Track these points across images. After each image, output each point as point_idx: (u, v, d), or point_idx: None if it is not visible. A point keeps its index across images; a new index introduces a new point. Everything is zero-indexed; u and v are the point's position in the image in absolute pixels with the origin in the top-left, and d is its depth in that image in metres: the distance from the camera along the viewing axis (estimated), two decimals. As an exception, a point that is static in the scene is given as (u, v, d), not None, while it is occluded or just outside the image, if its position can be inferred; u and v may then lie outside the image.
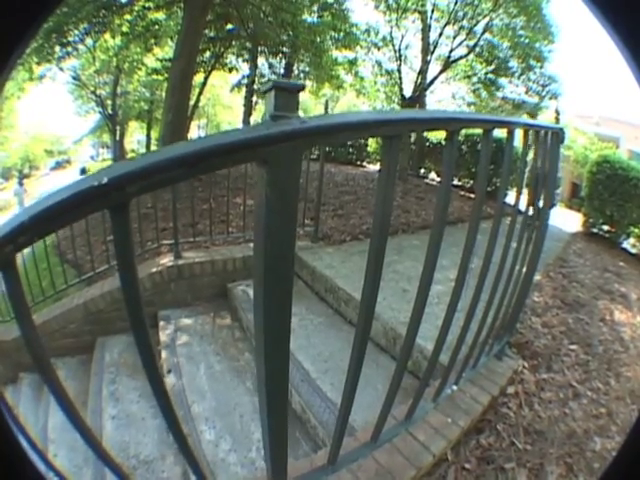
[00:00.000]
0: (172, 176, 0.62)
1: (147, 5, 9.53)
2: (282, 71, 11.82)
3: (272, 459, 0.99)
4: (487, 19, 8.76)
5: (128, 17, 9.76)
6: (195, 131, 23.82)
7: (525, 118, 8.60)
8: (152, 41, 10.87)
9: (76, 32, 9.37)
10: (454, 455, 1.39)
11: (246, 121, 12.05)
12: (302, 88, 0.74)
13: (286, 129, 0.67)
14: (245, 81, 13.62)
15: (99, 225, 4.02)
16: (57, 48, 9.61)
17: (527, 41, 9.04)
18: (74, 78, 16.55)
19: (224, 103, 23.84)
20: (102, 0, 8.71)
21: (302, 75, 12.06)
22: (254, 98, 13.34)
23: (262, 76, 12.80)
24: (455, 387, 1.59)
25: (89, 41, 10.53)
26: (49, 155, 33.35)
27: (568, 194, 17.34)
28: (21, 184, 11.89)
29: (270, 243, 0.72)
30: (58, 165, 30.99)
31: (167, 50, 12.29)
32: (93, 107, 19.38)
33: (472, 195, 7.34)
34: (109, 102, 18.20)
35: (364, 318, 0.99)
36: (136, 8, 9.51)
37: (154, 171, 0.59)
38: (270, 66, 12.15)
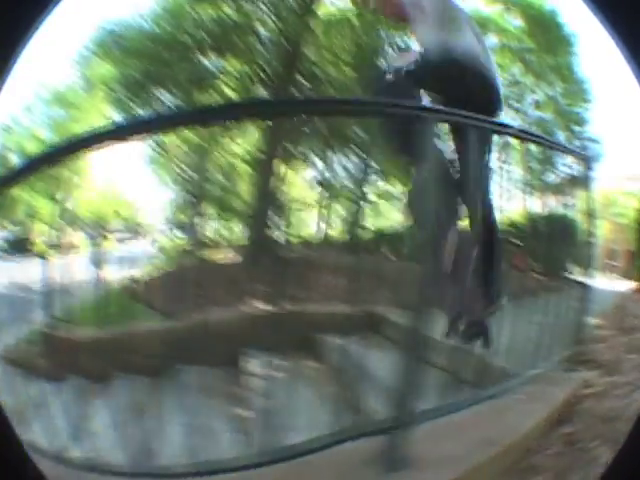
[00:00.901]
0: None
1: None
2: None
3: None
4: (533, 95, 8.98)
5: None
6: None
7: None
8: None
9: (163, 99, 8.82)
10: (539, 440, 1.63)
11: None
12: None
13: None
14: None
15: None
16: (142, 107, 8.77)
17: (568, 107, 9.02)
18: (157, 144, 15.03)
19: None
20: (196, 69, 8.38)
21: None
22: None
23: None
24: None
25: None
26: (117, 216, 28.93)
27: (625, 264, 16.47)
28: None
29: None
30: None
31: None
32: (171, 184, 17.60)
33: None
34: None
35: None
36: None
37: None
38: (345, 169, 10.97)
